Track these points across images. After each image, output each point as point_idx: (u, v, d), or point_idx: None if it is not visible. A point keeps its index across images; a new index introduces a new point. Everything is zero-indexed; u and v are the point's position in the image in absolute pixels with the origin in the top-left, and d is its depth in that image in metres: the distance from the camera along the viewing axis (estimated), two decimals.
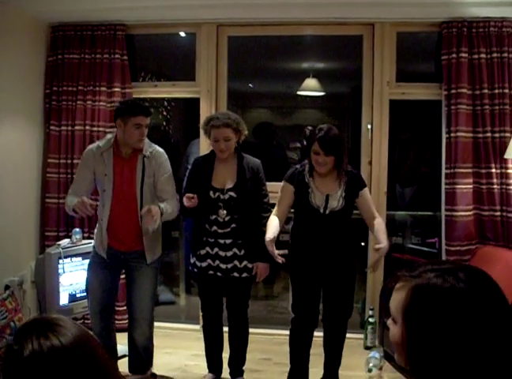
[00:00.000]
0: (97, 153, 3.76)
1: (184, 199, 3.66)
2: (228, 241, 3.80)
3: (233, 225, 3.78)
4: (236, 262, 3.82)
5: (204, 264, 3.85)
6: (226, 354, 4.07)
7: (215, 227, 3.79)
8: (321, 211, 3.62)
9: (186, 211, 3.83)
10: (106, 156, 3.74)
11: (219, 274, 3.84)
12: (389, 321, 1.38)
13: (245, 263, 3.83)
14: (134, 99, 3.87)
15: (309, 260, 3.71)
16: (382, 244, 3.47)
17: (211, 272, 3.85)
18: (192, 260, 3.94)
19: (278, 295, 6.18)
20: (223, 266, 3.81)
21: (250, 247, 3.81)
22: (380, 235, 3.57)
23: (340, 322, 3.83)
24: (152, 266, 3.83)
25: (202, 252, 3.84)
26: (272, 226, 3.58)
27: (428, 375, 1.30)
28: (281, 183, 3.76)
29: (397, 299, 1.34)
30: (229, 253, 3.80)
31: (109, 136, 3.88)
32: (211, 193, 3.77)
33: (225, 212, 3.74)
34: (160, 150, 3.87)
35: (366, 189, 3.75)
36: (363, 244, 5.02)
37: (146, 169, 3.75)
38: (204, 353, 4.08)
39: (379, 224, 3.68)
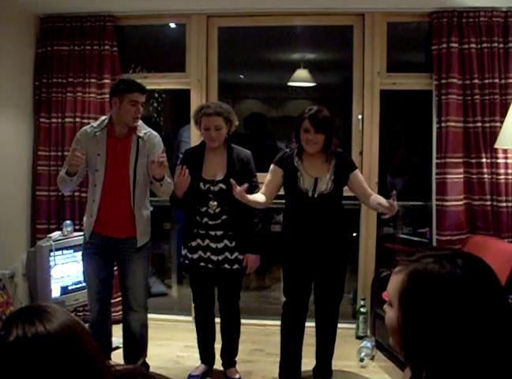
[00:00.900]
0: (91, 133, 3.75)
1: (176, 175, 3.68)
2: (219, 232, 3.80)
3: (224, 217, 3.78)
4: (227, 254, 3.82)
5: (195, 256, 3.85)
6: (218, 345, 4.09)
7: (206, 219, 3.79)
8: (310, 194, 3.63)
9: (176, 201, 3.84)
10: (99, 136, 3.72)
11: (210, 266, 3.84)
12: (386, 305, 1.39)
13: (236, 254, 3.83)
14: (129, 78, 3.86)
15: (300, 244, 3.71)
16: (388, 203, 3.43)
17: (202, 263, 3.85)
18: (183, 252, 3.94)
19: (270, 286, 6.19)
20: (214, 258, 3.82)
21: (240, 239, 3.81)
22: (382, 200, 3.54)
23: (332, 307, 3.85)
24: (144, 253, 3.81)
25: (193, 244, 3.85)
26: (254, 195, 3.63)
27: (423, 359, 1.31)
28: (271, 167, 3.77)
29: (394, 283, 1.35)
30: (220, 245, 3.80)
31: (103, 117, 3.87)
32: (201, 184, 3.77)
33: (216, 203, 3.74)
34: (154, 133, 3.87)
35: (357, 171, 3.77)
36: (354, 234, 5.03)
37: (140, 150, 3.73)
38: (196, 344, 4.10)
39: (375, 196, 3.68)
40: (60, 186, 3.82)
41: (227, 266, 3.84)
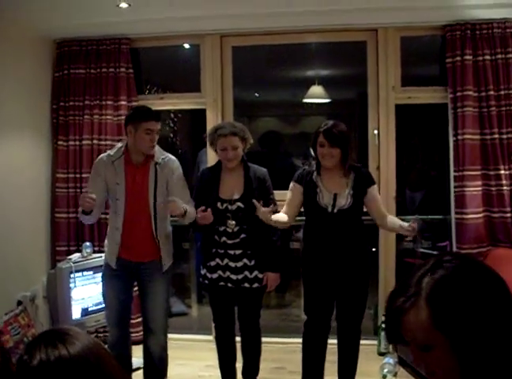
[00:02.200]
0: (108, 162, 3.76)
1: (198, 214, 3.66)
2: (238, 251, 3.79)
3: (242, 235, 3.77)
4: (247, 272, 3.81)
5: (214, 276, 3.84)
6: (239, 364, 4.07)
7: (224, 238, 3.78)
8: (329, 210, 3.61)
9: (197, 226, 3.84)
10: (117, 165, 3.73)
11: (229, 285, 3.83)
12: (415, 351, 1.23)
13: (255, 273, 3.82)
14: (144, 106, 3.88)
15: (321, 260, 3.69)
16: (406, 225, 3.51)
17: (222, 283, 3.84)
18: (203, 272, 3.93)
19: (290, 303, 6.16)
20: (233, 277, 3.80)
21: (259, 257, 3.80)
22: (398, 222, 3.63)
23: (354, 323, 3.80)
24: (165, 275, 3.81)
25: (212, 263, 3.84)
26: (277, 215, 3.64)
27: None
28: (290, 185, 3.77)
29: (417, 324, 1.20)
30: (239, 264, 3.79)
31: (119, 144, 3.87)
32: (218, 204, 3.76)
33: (234, 222, 3.73)
34: (173, 157, 3.86)
35: (374, 187, 3.75)
36: (374, 249, 5.00)
37: (159, 176, 3.73)
38: (217, 364, 4.07)
39: (392, 218, 3.74)
40: (82, 219, 3.85)
41: (246, 285, 3.82)
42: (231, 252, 3.79)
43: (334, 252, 3.65)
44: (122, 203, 3.72)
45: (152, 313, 3.82)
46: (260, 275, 3.83)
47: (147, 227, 3.75)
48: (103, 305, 4.15)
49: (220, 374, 4.06)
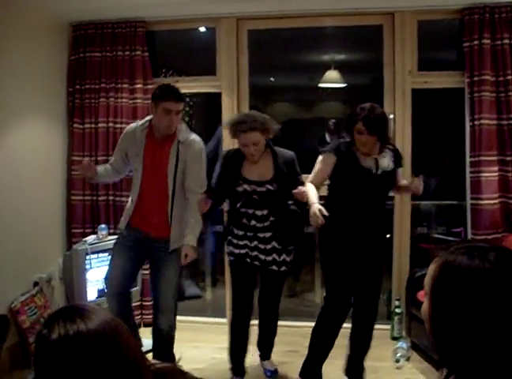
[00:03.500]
0: (133, 132, 3.82)
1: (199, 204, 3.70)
2: (268, 234, 3.80)
3: (272, 218, 3.78)
4: (275, 255, 3.82)
5: (242, 251, 3.84)
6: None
7: (254, 222, 3.78)
8: (374, 171, 3.59)
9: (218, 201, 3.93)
10: (139, 137, 3.77)
11: (256, 263, 3.84)
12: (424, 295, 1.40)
13: (283, 256, 3.83)
14: (169, 85, 3.85)
15: (348, 245, 3.64)
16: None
17: (248, 259, 3.84)
18: (228, 250, 3.94)
19: (303, 290, 6.15)
20: (262, 257, 3.81)
21: (286, 240, 3.81)
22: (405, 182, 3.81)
23: (373, 305, 3.80)
24: (176, 256, 3.76)
25: (240, 242, 3.84)
26: (313, 193, 3.56)
27: (449, 350, 1.30)
28: (320, 157, 3.71)
29: (429, 273, 1.36)
30: (268, 246, 3.81)
31: (148, 117, 3.87)
32: (246, 186, 3.76)
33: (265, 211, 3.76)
34: (198, 138, 3.82)
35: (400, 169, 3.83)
36: (388, 236, 5.01)
37: (180, 155, 3.72)
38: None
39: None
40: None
41: (274, 268, 3.84)
42: (261, 235, 3.80)
43: (367, 221, 3.64)
44: (139, 175, 3.77)
45: (159, 292, 3.83)
46: (288, 259, 3.85)
47: (162, 203, 3.76)
48: None
49: (230, 366, 4.08)
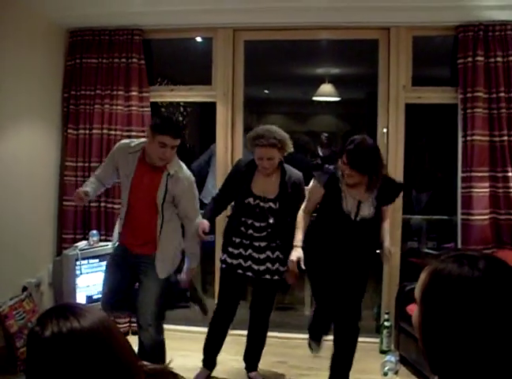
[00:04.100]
0: (126, 151, 3.76)
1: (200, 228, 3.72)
2: (263, 244, 3.86)
3: (269, 230, 3.84)
4: (269, 264, 3.88)
5: (235, 262, 3.90)
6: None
7: (251, 231, 3.85)
8: (353, 217, 3.60)
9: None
10: (132, 158, 3.72)
11: (249, 274, 3.89)
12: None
13: (277, 266, 3.89)
14: (171, 118, 3.82)
15: (330, 263, 3.69)
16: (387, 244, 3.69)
17: (240, 270, 3.90)
18: (222, 257, 3.99)
19: (292, 304, 6.13)
20: (255, 267, 3.88)
21: (285, 250, 3.81)
22: (386, 236, 3.74)
23: (353, 324, 3.81)
24: (158, 276, 3.74)
25: (235, 251, 3.90)
26: (300, 232, 3.67)
27: (439, 357, 1.31)
28: (312, 183, 3.73)
29: (419, 281, 1.36)
30: (262, 256, 3.87)
31: (142, 140, 3.83)
32: (251, 199, 3.82)
33: (272, 220, 3.80)
34: (187, 174, 3.79)
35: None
36: (378, 251, 5.02)
37: (169, 186, 3.68)
38: (220, 356, 4.16)
39: (385, 229, 3.78)
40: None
41: (267, 276, 3.90)
42: (256, 244, 3.86)
43: (345, 257, 3.68)
44: (126, 195, 3.75)
45: (141, 308, 3.76)
46: (281, 268, 3.88)
47: (149, 221, 3.71)
48: None
49: (202, 357, 4.19)
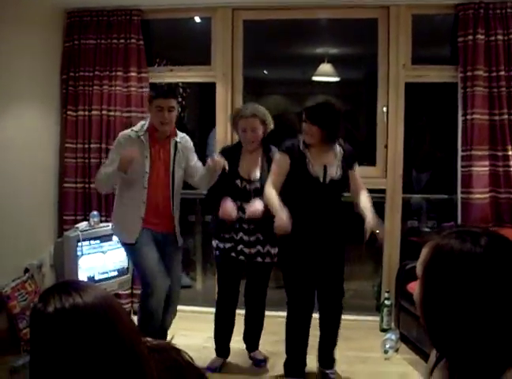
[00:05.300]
0: (134, 137, 3.83)
1: (221, 209, 3.78)
2: (252, 226, 3.86)
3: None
4: (259, 247, 3.89)
5: (227, 246, 3.91)
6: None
7: (240, 213, 3.85)
8: (321, 180, 3.61)
9: (210, 206, 3.99)
10: (144, 139, 3.82)
11: (241, 258, 3.91)
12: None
13: (267, 248, 3.90)
14: (160, 84, 3.97)
15: (307, 235, 3.64)
16: (370, 222, 3.50)
17: (233, 254, 3.91)
18: (214, 243, 4.00)
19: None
20: (246, 250, 3.89)
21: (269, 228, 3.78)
22: (367, 213, 3.57)
23: (338, 302, 3.85)
24: (180, 250, 4.11)
25: (226, 235, 3.90)
26: (275, 200, 3.56)
27: (440, 333, 1.32)
28: (276, 155, 3.74)
29: (421, 257, 1.37)
30: (252, 238, 3.87)
31: (142, 122, 3.97)
32: (238, 182, 3.84)
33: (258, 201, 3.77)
34: (187, 137, 4.07)
35: (356, 168, 3.79)
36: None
37: (178, 153, 3.89)
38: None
39: (365, 202, 3.68)
40: (100, 183, 3.90)
41: (259, 259, 3.91)
42: (246, 226, 3.86)
43: (320, 225, 3.65)
44: (147, 175, 3.80)
45: (174, 285, 3.99)
46: (272, 250, 3.89)
47: (167, 201, 3.89)
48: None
49: (215, 347, 4.17)
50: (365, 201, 3.68)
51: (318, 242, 3.67)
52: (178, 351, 1.54)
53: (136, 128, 3.91)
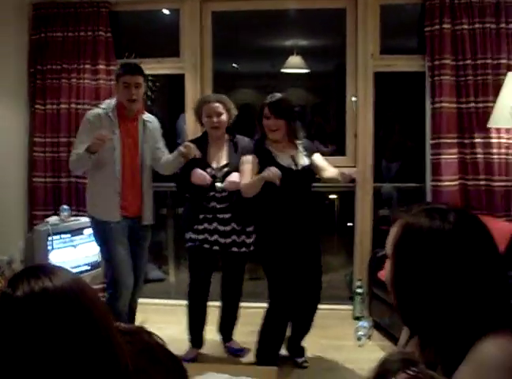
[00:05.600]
0: (103, 114, 3.84)
1: (193, 175, 3.79)
2: (227, 215, 3.86)
3: (231, 200, 3.85)
4: (235, 237, 3.90)
5: (200, 237, 3.90)
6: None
7: (213, 203, 3.86)
8: (294, 167, 3.66)
9: (183, 186, 3.97)
10: (112, 116, 3.84)
11: (215, 248, 3.90)
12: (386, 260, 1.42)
13: (243, 238, 3.91)
14: (127, 61, 4.11)
15: (285, 229, 3.67)
16: (344, 172, 3.57)
17: (206, 245, 3.90)
18: (187, 236, 3.98)
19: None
20: (221, 240, 3.88)
21: (243, 216, 3.88)
22: (338, 170, 3.65)
23: (315, 295, 3.92)
24: (148, 233, 4.08)
25: (200, 227, 3.89)
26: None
27: (411, 310, 1.34)
28: (244, 158, 3.75)
29: (391, 235, 1.38)
30: (228, 228, 3.87)
31: (108, 100, 4.01)
32: (208, 170, 3.84)
33: (220, 184, 3.80)
34: (153, 116, 4.13)
35: (317, 154, 3.86)
36: (350, 224, 5.09)
37: (146, 132, 3.93)
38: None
39: (332, 169, 3.75)
40: (75, 165, 3.87)
41: (234, 249, 3.92)
42: (220, 216, 3.86)
43: (298, 216, 3.68)
44: (119, 152, 3.82)
45: (139, 273, 4.01)
46: (247, 240, 3.92)
47: (136, 180, 3.91)
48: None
49: (189, 338, 4.17)
50: (331, 169, 3.76)
51: (298, 234, 3.70)
52: (149, 334, 1.53)
53: (103, 105, 3.92)
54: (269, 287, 3.79)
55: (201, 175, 3.78)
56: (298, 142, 3.77)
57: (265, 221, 3.75)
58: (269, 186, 3.59)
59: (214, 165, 3.88)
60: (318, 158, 3.82)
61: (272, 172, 3.45)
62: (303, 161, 3.71)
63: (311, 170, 3.75)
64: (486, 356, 1.23)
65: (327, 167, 3.78)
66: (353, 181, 3.77)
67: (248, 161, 3.74)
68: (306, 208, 3.74)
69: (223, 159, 3.90)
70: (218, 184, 3.81)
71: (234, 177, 3.77)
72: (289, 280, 3.71)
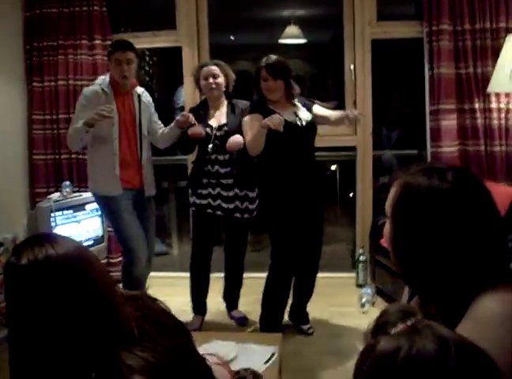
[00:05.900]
0: (99, 91, 3.86)
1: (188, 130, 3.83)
2: (230, 181, 3.89)
3: (234, 164, 3.89)
4: (238, 203, 3.92)
5: (204, 202, 3.94)
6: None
7: (217, 167, 3.89)
8: (299, 124, 3.67)
9: (186, 145, 4.02)
10: (108, 91, 3.87)
11: (219, 213, 3.93)
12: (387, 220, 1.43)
13: (246, 204, 3.94)
14: (118, 38, 4.18)
15: (292, 189, 3.69)
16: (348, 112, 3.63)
17: (209, 210, 3.94)
18: (191, 200, 4.02)
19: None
20: (224, 205, 3.92)
21: (246, 181, 3.92)
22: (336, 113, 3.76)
23: (316, 264, 3.99)
24: (152, 203, 4.14)
25: (204, 191, 3.93)
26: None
27: (412, 269, 1.35)
28: (246, 118, 3.76)
29: (390, 195, 1.40)
30: (231, 193, 3.90)
31: (102, 76, 4.02)
32: (208, 130, 3.87)
33: (211, 146, 3.84)
34: (147, 92, 4.16)
35: (316, 105, 3.89)
36: (351, 194, 5.10)
37: (142, 105, 3.98)
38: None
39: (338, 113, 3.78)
40: (72, 140, 3.86)
41: (237, 215, 3.95)
42: (224, 181, 3.90)
43: (305, 176, 3.71)
44: (117, 127, 3.84)
45: (150, 243, 4.10)
46: (250, 207, 3.95)
47: (135, 152, 3.95)
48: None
49: (192, 306, 4.23)
50: (337, 112, 3.82)
51: (304, 193, 3.72)
52: (153, 300, 1.55)
53: (98, 82, 3.95)
54: (272, 248, 3.84)
55: (196, 128, 3.83)
56: (295, 100, 3.80)
57: (271, 180, 3.75)
58: (273, 142, 3.58)
59: (214, 124, 3.91)
60: (318, 108, 3.85)
61: (275, 118, 3.45)
62: (307, 116, 3.73)
63: (314, 125, 3.77)
64: (486, 311, 1.25)
65: (331, 113, 3.83)
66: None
67: (247, 122, 3.74)
68: (312, 164, 3.78)
69: (222, 118, 3.94)
70: (210, 145, 3.85)
71: (237, 138, 3.77)
72: (292, 241, 3.75)
